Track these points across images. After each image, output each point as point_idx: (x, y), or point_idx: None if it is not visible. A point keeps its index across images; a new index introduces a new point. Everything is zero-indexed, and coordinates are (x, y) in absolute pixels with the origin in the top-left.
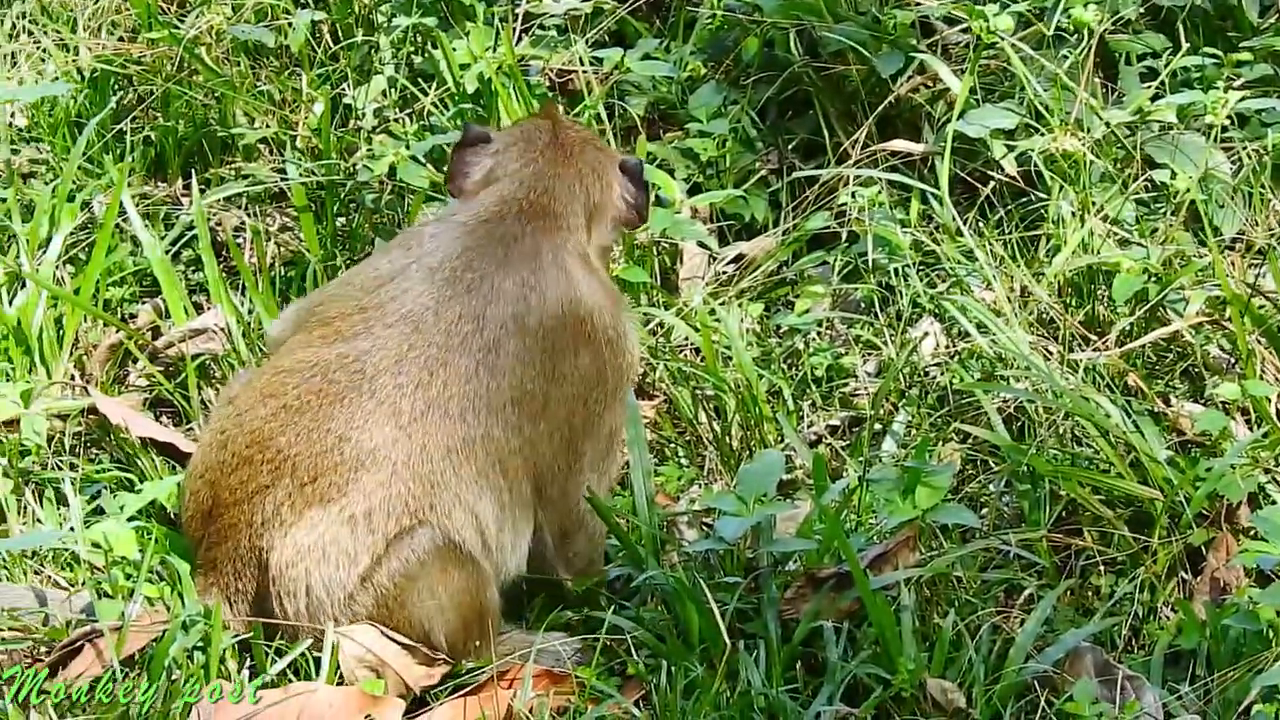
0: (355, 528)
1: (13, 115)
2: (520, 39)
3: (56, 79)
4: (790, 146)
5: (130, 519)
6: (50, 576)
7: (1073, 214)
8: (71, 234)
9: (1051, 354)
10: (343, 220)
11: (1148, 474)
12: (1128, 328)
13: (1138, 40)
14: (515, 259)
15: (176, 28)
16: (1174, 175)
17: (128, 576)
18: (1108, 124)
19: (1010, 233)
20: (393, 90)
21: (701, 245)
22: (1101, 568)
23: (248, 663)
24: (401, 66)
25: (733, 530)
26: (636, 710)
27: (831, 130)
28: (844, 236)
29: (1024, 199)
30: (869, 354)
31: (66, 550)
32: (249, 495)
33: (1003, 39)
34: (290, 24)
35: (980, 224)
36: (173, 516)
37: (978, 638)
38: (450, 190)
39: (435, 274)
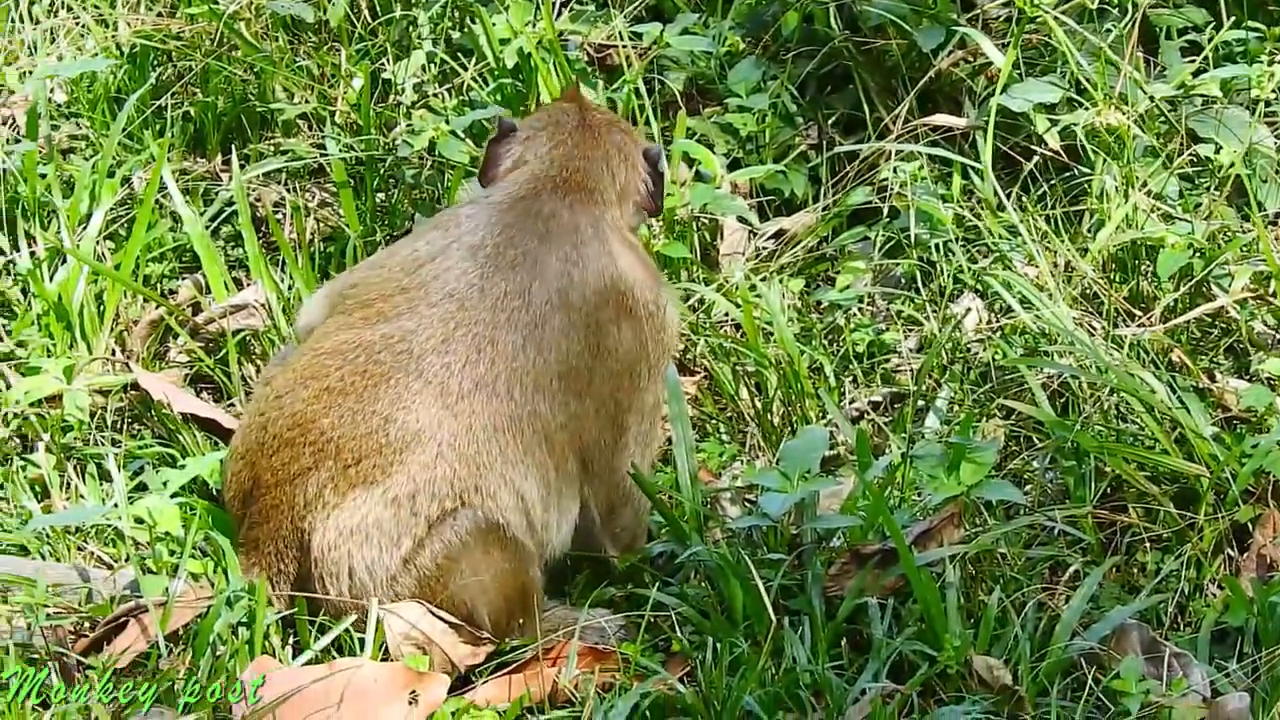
0: (399, 509)
1: (52, 91)
2: (559, 14)
3: (96, 55)
4: (830, 121)
5: (173, 495)
6: (93, 553)
7: (1116, 189)
8: (111, 210)
9: (1095, 330)
10: (382, 196)
11: (1193, 450)
12: (1172, 303)
13: (1179, 14)
14: (555, 234)
15: (216, 3)
16: (1218, 150)
17: (171, 552)
18: (1151, 98)
19: (1053, 208)
20: (432, 65)
21: (742, 220)
22: (1147, 544)
23: (292, 639)
24: (440, 41)
25: (777, 506)
26: (681, 686)
27: (872, 105)
28: (885, 212)
29: (1067, 174)
30: (910, 330)
31: (110, 526)
32: (290, 477)
33: (1045, 12)
34: None
35: (1023, 199)
36: (215, 492)
37: (1023, 614)
38: (482, 182)
39: (477, 252)
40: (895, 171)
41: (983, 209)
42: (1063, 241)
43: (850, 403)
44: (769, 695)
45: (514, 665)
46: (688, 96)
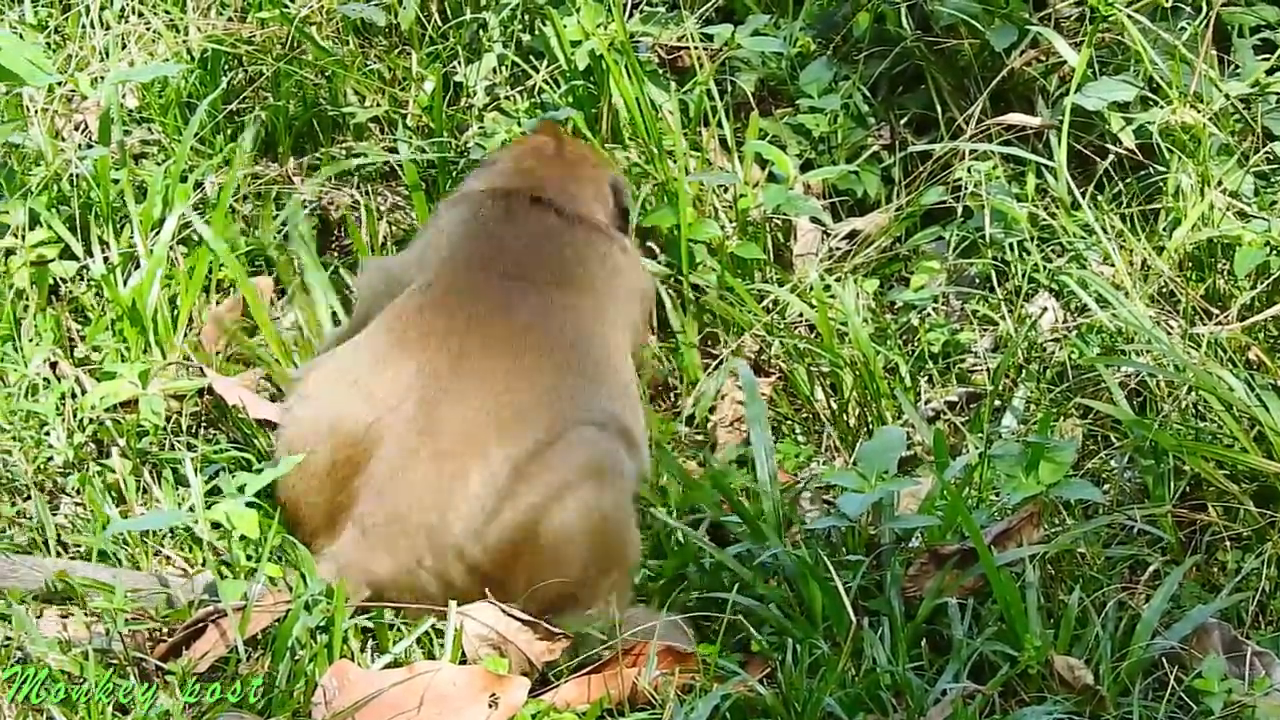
0: (486, 471)
1: (124, 96)
2: (631, 15)
3: (167, 60)
4: (903, 121)
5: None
6: (170, 558)
7: (1192, 187)
8: (184, 214)
9: (1172, 328)
10: None
11: (1272, 448)
12: (1249, 301)
13: (1252, 12)
14: (537, 208)
15: (286, 7)
16: None
17: (248, 556)
18: (1226, 96)
19: (1128, 206)
20: (503, 68)
21: (815, 221)
22: (1227, 543)
23: (370, 642)
24: (511, 44)
25: (855, 507)
26: (761, 688)
27: (944, 105)
28: (959, 211)
29: (1142, 172)
30: (985, 329)
31: (187, 531)
32: (371, 457)
33: (1119, 10)
34: (400, 2)
35: (1097, 198)
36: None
37: (1103, 614)
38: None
39: (477, 235)
40: (969, 171)
41: (1057, 208)
42: (1138, 240)
43: (926, 403)
44: (849, 696)
45: (593, 666)
46: (759, 98)
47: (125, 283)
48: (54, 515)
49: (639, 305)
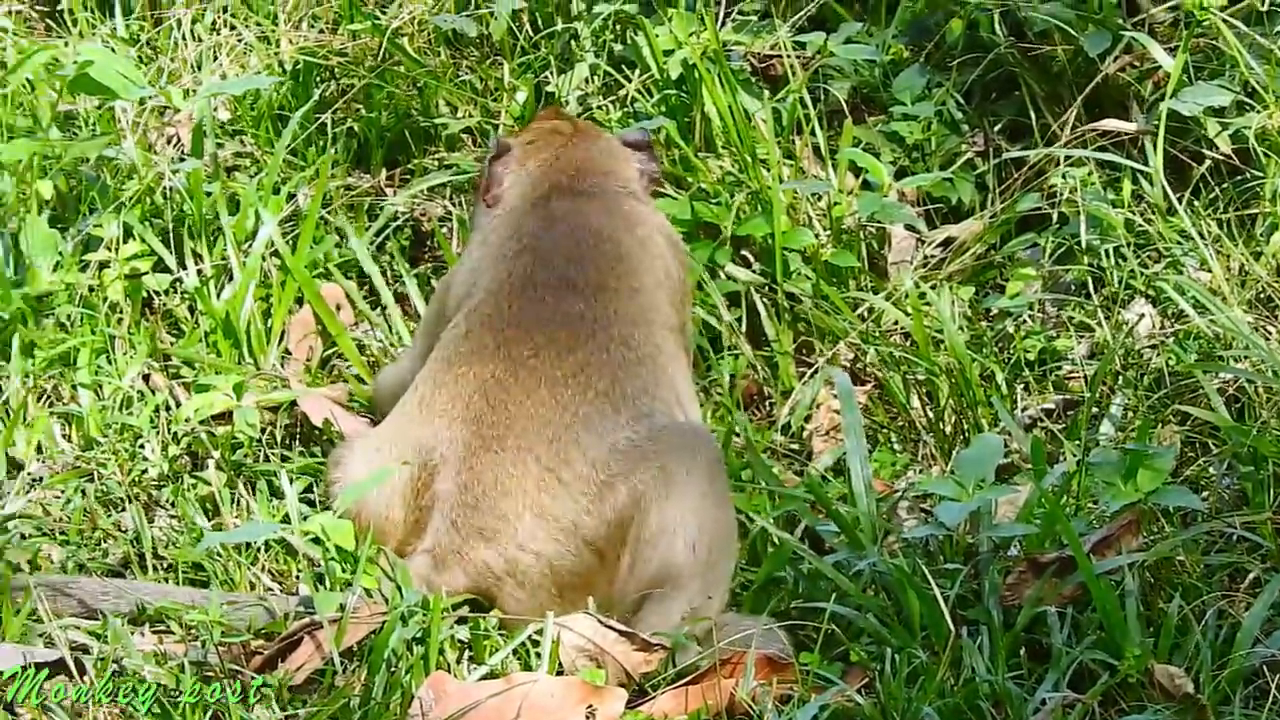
0: (584, 457)
1: (216, 109)
2: (723, 24)
3: (259, 72)
4: (996, 128)
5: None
6: (265, 569)
7: None
8: (269, 232)
9: (1271, 334)
10: None
11: None
12: None
13: None
14: (581, 210)
15: (378, 19)
16: None
17: (344, 568)
18: None
19: (1225, 212)
20: (595, 77)
21: (909, 229)
22: None
23: (467, 653)
24: (603, 53)
25: (953, 515)
26: (860, 698)
27: (1038, 111)
28: (1054, 218)
29: (1238, 177)
30: (1082, 336)
31: (281, 543)
32: (449, 463)
33: (1214, 15)
34: (492, 13)
35: (1194, 203)
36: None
37: (1203, 622)
38: (486, 201)
39: (523, 253)
40: (1064, 177)
41: (1153, 214)
42: (1236, 245)
43: (1023, 410)
44: (948, 706)
45: (691, 677)
46: (852, 105)
47: (219, 295)
48: (149, 527)
49: (679, 281)
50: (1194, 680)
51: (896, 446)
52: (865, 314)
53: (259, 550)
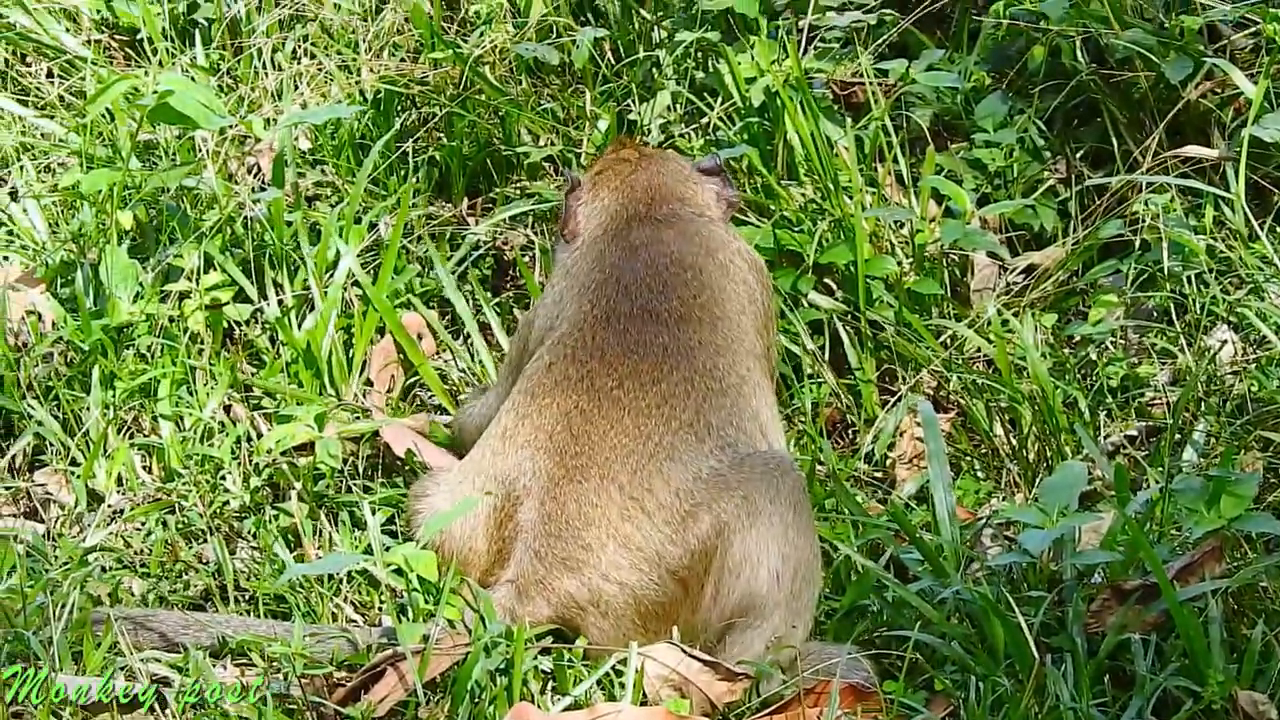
0: (668, 486)
1: (297, 139)
2: (804, 52)
3: (340, 101)
4: (1078, 155)
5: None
6: (347, 600)
7: None
8: (358, 256)
9: None
10: None
11: None
12: None
13: None
14: (660, 239)
15: (459, 48)
16: None
17: (427, 599)
18: None
19: None
20: (677, 105)
21: (992, 256)
22: None
23: (551, 684)
24: (685, 81)
25: (1037, 543)
26: None
27: (1120, 138)
28: (1136, 245)
29: None
30: (1164, 362)
31: (363, 574)
32: (531, 494)
33: None
34: (574, 41)
35: (1276, 229)
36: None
37: None
38: (565, 236)
39: (605, 285)
40: (1146, 204)
41: (1235, 240)
42: None
43: (1106, 437)
44: None
45: (775, 706)
46: (934, 132)
47: (300, 325)
48: (230, 559)
49: (763, 306)
50: (1278, 707)
51: (980, 474)
52: (948, 341)
53: (341, 582)
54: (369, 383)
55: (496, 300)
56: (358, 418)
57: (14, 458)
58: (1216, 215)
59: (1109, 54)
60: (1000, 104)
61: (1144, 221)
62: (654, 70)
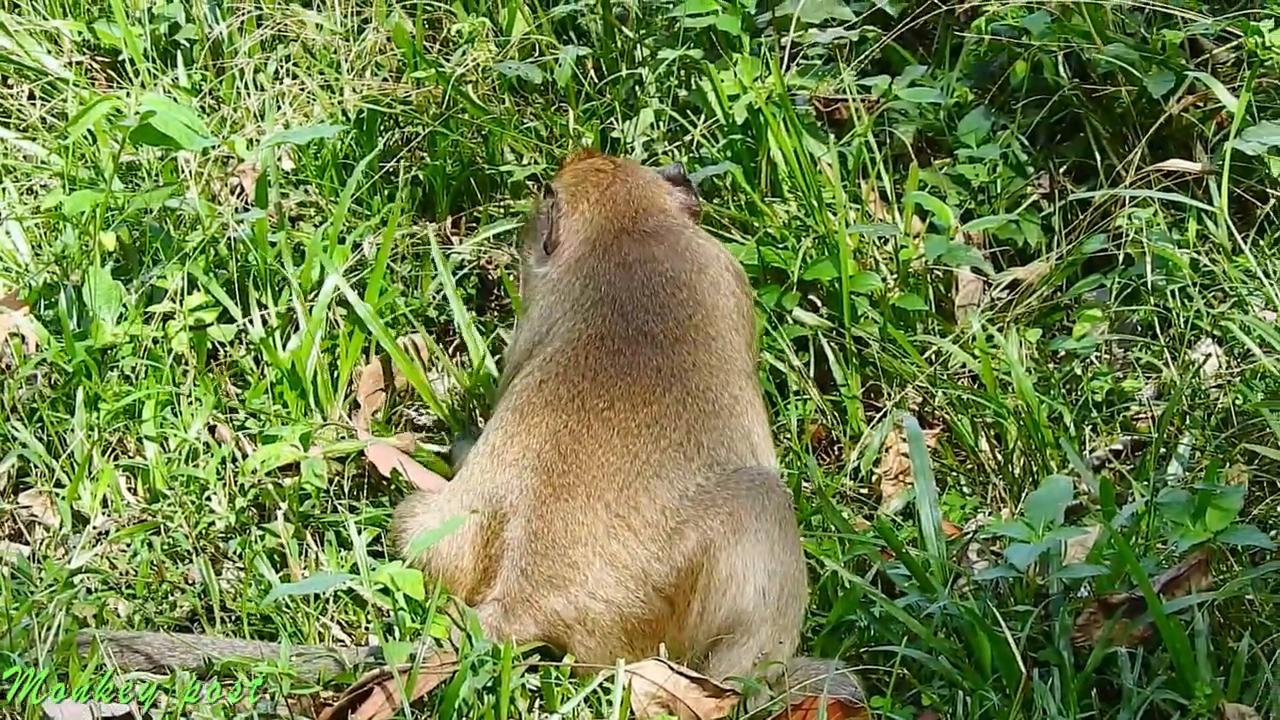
0: (654, 503)
1: (280, 159)
2: (787, 69)
3: (323, 121)
4: (1061, 170)
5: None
6: (334, 620)
7: None
8: (343, 275)
9: None
10: None
11: None
12: None
13: None
14: (650, 257)
15: (442, 67)
16: None
17: (414, 618)
18: None
19: None
20: (660, 123)
21: (976, 271)
22: None
23: (538, 701)
24: (668, 99)
25: (1023, 557)
26: None
27: (1103, 152)
28: (1120, 259)
29: None
30: (1149, 377)
31: (350, 594)
32: (518, 513)
33: (1277, 54)
34: (556, 60)
35: (1259, 242)
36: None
37: (1273, 661)
38: (547, 248)
39: (599, 304)
40: (1129, 218)
41: (1219, 254)
42: None
43: (1091, 452)
44: None
45: None
46: (918, 148)
47: (284, 346)
48: (216, 580)
49: (750, 320)
50: (1264, 719)
51: (966, 489)
52: (933, 357)
53: (327, 601)
54: (356, 404)
55: (481, 319)
56: (343, 437)
57: None
58: (1200, 229)
59: (1091, 69)
60: (983, 119)
61: (1127, 236)
62: (637, 88)
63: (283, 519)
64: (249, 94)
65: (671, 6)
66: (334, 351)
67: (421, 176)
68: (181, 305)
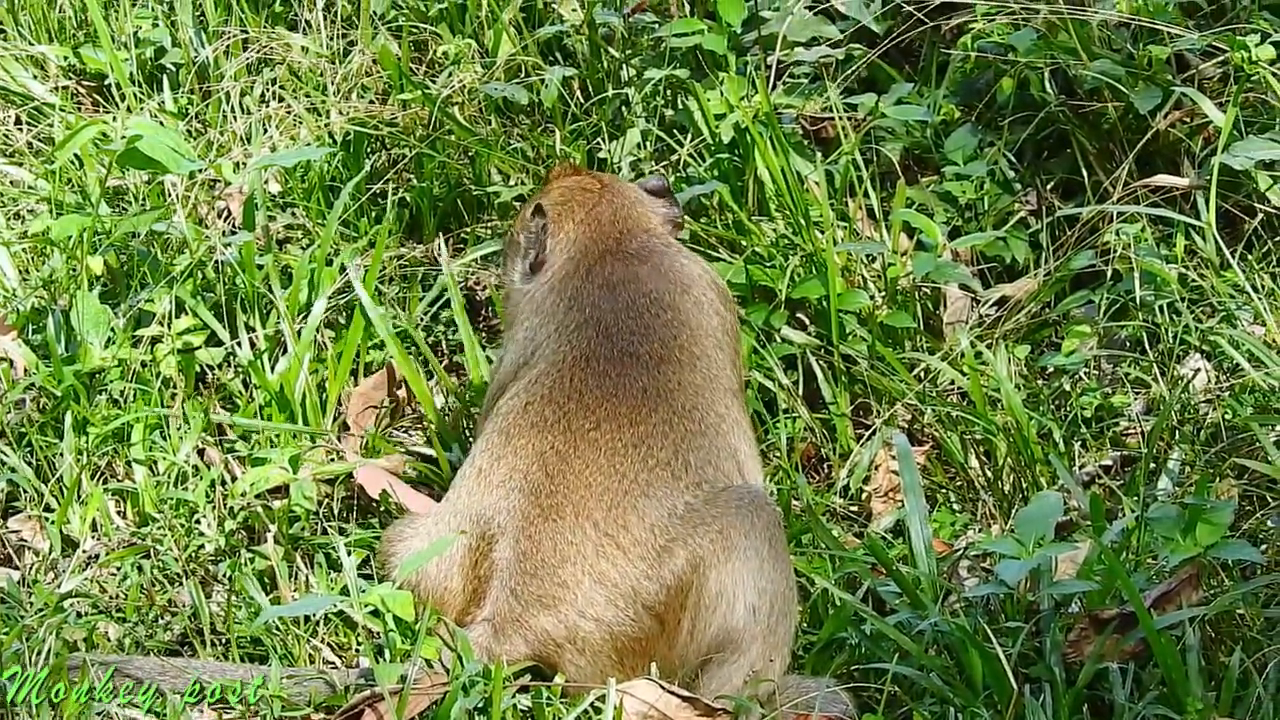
0: (643, 521)
1: (267, 181)
2: (774, 87)
3: (309, 144)
4: (1049, 186)
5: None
6: (324, 642)
7: None
8: (330, 298)
9: None
10: None
11: None
12: None
13: None
14: (634, 277)
15: (428, 88)
16: None
17: (404, 639)
18: None
19: (1278, 265)
20: (647, 143)
21: (965, 288)
22: None
23: None
24: (654, 119)
25: (1014, 573)
26: None
27: (1090, 168)
28: (1108, 275)
29: None
30: (1138, 392)
31: (340, 616)
32: (506, 534)
33: (1264, 69)
34: (542, 80)
35: (1247, 257)
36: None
37: (1265, 675)
38: (533, 268)
39: (586, 325)
40: (1117, 234)
41: (1207, 268)
42: None
43: (1081, 467)
44: None
45: None
46: (905, 166)
47: (273, 368)
48: (206, 603)
49: (734, 337)
50: None
51: (956, 506)
52: (922, 374)
53: (318, 623)
54: (345, 426)
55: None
56: (333, 459)
57: None
58: (1188, 244)
59: (1078, 85)
60: (970, 136)
61: (1115, 251)
62: (623, 108)
63: (272, 541)
64: (235, 117)
65: (657, 26)
66: (320, 371)
67: (409, 198)
68: (169, 329)
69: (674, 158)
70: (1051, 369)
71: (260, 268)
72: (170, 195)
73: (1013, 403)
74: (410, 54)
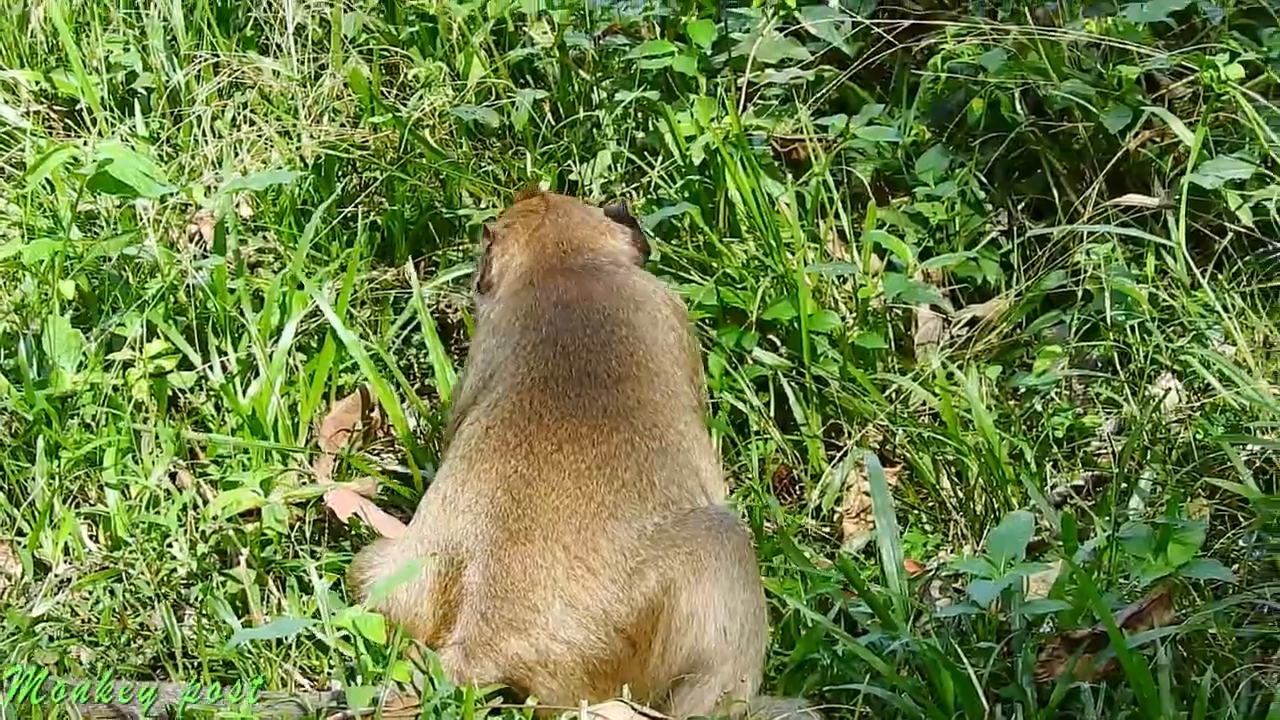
0: (613, 544)
1: (238, 205)
2: (744, 109)
3: (280, 168)
4: (1020, 206)
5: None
6: (296, 665)
7: None
8: (301, 321)
9: None
10: None
11: None
12: None
13: None
14: (585, 295)
15: (399, 111)
16: None
17: (376, 662)
18: None
19: (1249, 284)
20: (618, 165)
21: (936, 309)
22: None
23: None
24: (625, 141)
25: (985, 594)
26: None
27: (1060, 189)
28: (1079, 295)
29: (1261, 250)
30: (1109, 412)
31: (312, 639)
32: (474, 558)
33: (1233, 89)
34: (513, 103)
35: (1217, 276)
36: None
37: (1236, 694)
38: (481, 289)
39: (540, 346)
40: (1088, 254)
41: (1177, 288)
42: (1260, 318)
43: (1052, 488)
44: None
45: None
46: (875, 187)
47: (244, 392)
48: (179, 627)
49: (691, 353)
50: None
51: (927, 527)
52: (893, 395)
53: (290, 646)
54: (318, 449)
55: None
56: (304, 483)
57: None
58: (1158, 264)
59: (1048, 105)
60: (940, 157)
61: (1086, 272)
62: (594, 130)
63: (244, 564)
64: (207, 141)
65: (628, 49)
66: (292, 395)
67: (380, 221)
68: (141, 353)
69: (645, 180)
70: (1023, 389)
71: (232, 291)
72: (142, 219)
73: (984, 423)
74: (381, 77)
